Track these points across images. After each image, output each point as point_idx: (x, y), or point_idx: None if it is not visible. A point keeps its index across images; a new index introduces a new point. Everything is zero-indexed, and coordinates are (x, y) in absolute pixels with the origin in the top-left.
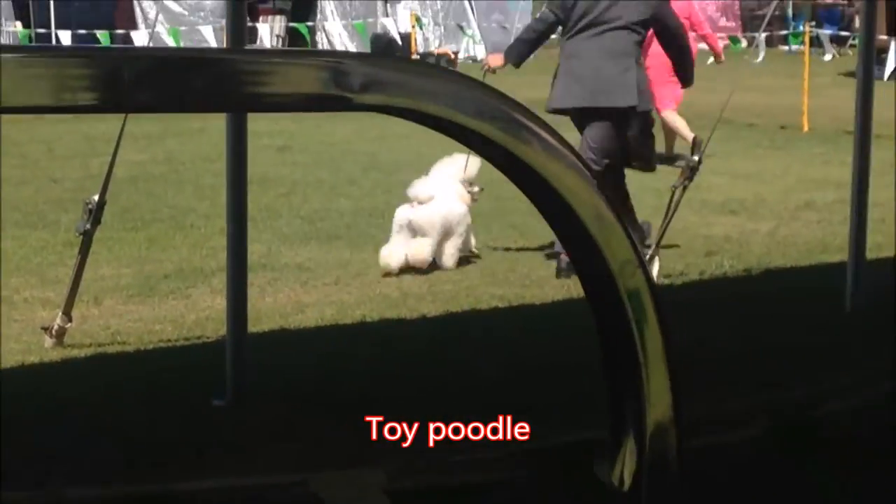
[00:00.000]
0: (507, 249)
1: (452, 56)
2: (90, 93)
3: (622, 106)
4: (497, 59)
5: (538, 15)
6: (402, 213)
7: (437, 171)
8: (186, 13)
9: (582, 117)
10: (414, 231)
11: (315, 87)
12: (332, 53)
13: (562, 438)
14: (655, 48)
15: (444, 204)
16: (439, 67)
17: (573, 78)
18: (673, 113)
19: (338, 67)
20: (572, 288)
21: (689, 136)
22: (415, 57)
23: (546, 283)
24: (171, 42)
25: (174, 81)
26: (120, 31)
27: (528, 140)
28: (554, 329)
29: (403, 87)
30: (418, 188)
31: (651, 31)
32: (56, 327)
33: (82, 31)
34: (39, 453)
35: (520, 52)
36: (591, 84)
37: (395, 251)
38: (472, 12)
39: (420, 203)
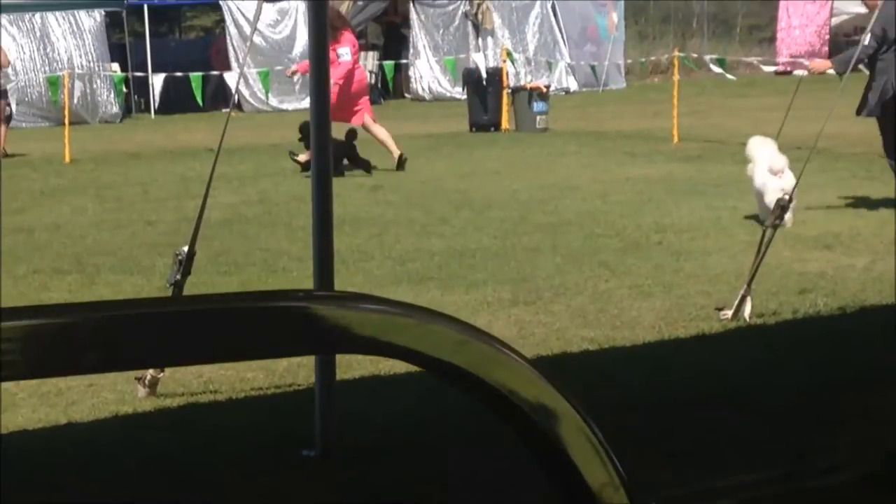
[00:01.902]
0: (598, 289)
1: (544, 89)
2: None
3: None
4: (824, 64)
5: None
6: (778, 183)
7: (762, 148)
8: (278, 54)
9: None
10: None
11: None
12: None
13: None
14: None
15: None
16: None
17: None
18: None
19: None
20: (664, 329)
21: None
22: (506, 91)
23: (637, 324)
24: (259, 85)
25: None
26: (214, 73)
27: (505, 369)
28: (645, 371)
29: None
30: (777, 161)
31: None
32: (149, 377)
33: (178, 74)
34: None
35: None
36: None
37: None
38: (564, 43)
39: (782, 173)
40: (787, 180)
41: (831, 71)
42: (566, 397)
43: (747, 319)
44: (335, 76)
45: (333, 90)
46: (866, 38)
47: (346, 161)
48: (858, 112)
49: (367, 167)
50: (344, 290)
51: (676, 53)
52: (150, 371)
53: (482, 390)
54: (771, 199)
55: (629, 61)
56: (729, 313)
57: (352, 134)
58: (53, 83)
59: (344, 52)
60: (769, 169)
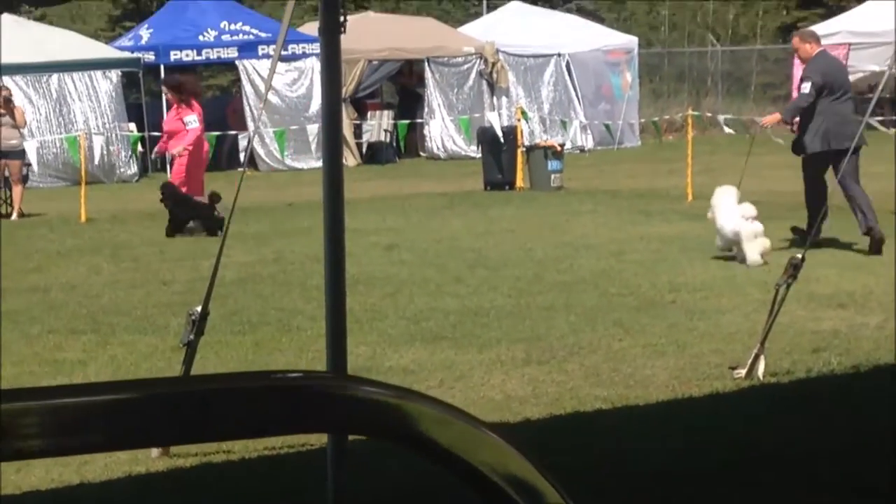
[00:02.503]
0: (612, 348)
1: (559, 148)
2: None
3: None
4: (774, 118)
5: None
6: (754, 226)
7: (725, 197)
8: (294, 113)
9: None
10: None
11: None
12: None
13: None
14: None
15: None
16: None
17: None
18: None
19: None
20: (677, 388)
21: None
22: (520, 150)
23: (650, 383)
24: (275, 144)
25: None
26: (230, 132)
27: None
28: (658, 432)
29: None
30: (749, 208)
31: None
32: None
33: None
34: None
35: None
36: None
37: (764, 247)
38: (579, 102)
39: (754, 217)
40: (758, 224)
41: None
42: (544, 475)
43: (761, 378)
44: (185, 143)
45: (182, 159)
46: (806, 87)
47: (192, 223)
48: (795, 151)
49: (214, 230)
50: (330, 372)
51: (690, 112)
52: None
53: (461, 467)
54: (749, 243)
55: (643, 120)
56: (742, 372)
57: (215, 197)
58: (71, 143)
59: (191, 119)
60: (742, 215)
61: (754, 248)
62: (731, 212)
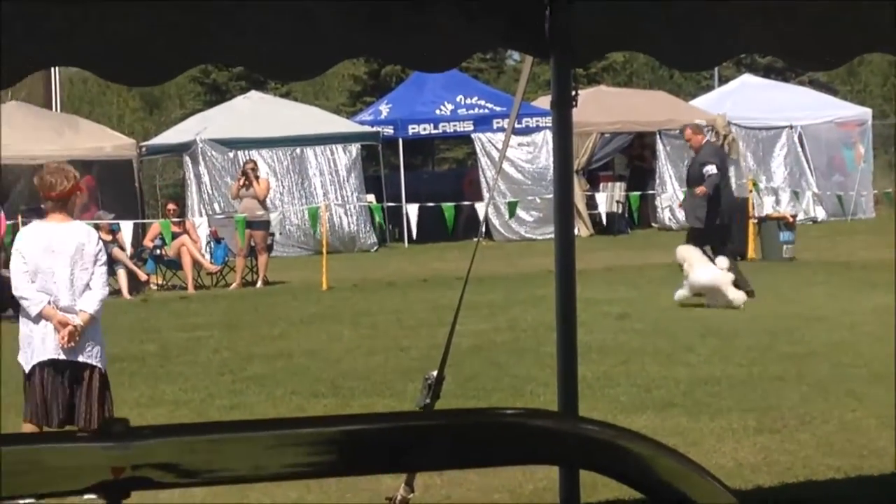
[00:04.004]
0: (845, 418)
1: (791, 219)
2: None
3: None
4: (703, 189)
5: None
6: (727, 275)
7: (693, 251)
8: (529, 182)
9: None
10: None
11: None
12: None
13: None
14: None
15: None
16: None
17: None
18: None
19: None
20: None
21: None
22: (752, 221)
23: (885, 453)
24: (506, 214)
25: None
26: (466, 203)
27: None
28: (891, 501)
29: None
30: (723, 260)
31: None
32: (399, 497)
33: (431, 204)
34: None
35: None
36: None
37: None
38: (811, 173)
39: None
40: (731, 273)
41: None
42: None
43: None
44: None
45: None
46: (713, 168)
47: None
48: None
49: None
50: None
51: None
52: (401, 491)
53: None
54: (727, 290)
55: (876, 191)
56: None
57: None
58: (312, 214)
59: None
60: (719, 265)
61: (734, 292)
62: (705, 265)
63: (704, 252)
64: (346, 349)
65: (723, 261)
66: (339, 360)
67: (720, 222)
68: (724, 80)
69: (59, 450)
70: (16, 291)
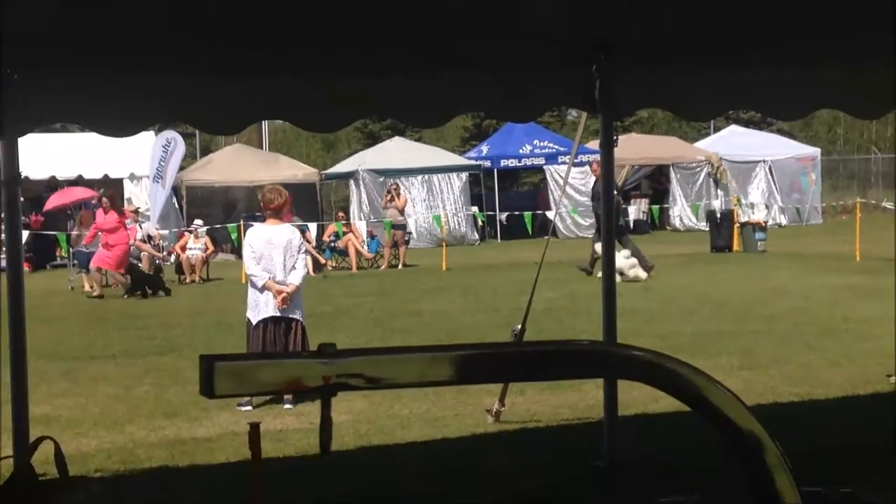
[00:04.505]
0: (802, 360)
1: (763, 224)
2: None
3: None
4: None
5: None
6: (631, 260)
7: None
8: (583, 198)
9: None
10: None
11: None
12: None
13: None
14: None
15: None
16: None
17: None
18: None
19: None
20: (848, 389)
21: None
22: (736, 225)
23: (830, 384)
24: (568, 219)
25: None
26: (539, 212)
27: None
28: (835, 418)
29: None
30: (626, 252)
31: None
32: (495, 410)
33: (516, 213)
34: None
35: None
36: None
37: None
38: (777, 192)
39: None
40: (633, 259)
41: None
42: (767, 432)
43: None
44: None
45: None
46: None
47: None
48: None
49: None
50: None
51: (858, 199)
52: (496, 405)
53: (713, 416)
54: (631, 271)
55: (824, 204)
56: (893, 379)
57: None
58: (436, 219)
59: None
60: (622, 255)
61: (638, 271)
62: (616, 255)
63: (622, 243)
64: (458, 310)
65: (626, 252)
66: (454, 318)
67: (619, 224)
68: (717, 129)
69: (293, 364)
70: (248, 270)
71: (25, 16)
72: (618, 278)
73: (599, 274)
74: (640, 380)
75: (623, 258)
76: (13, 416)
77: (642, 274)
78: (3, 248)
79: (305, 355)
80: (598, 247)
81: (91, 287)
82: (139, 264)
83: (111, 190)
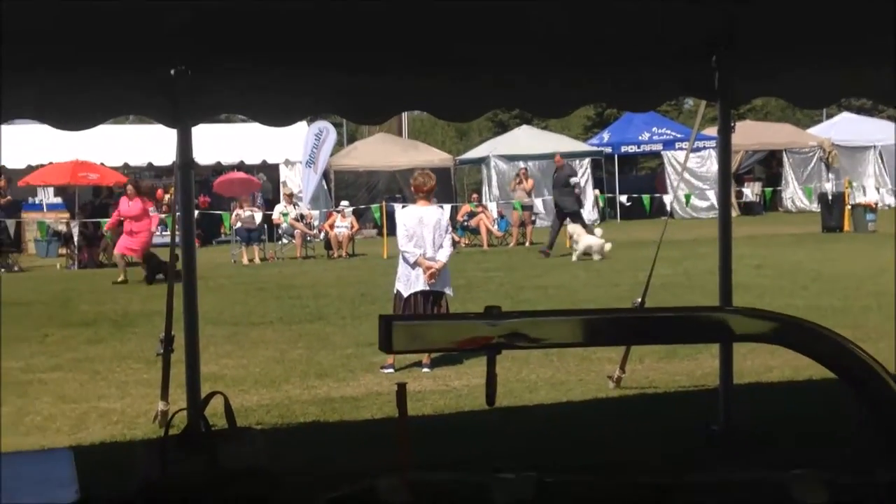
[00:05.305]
0: None
1: (873, 205)
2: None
3: None
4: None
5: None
6: (601, 240)
7: (579, 227)
8: (699, 182)
9: None
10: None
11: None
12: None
13: None
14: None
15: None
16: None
17: None
18: None
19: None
20: None
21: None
22: (847, 206)
23: None
24: (684, 202)
25: None
26: (657, 195)
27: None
28: None
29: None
30: (577, 228)
31: None
32: (616, 376)
33: (635, 195)
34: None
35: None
36: None
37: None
38: (888, 175)
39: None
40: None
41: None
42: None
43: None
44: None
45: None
46: (576, 178)
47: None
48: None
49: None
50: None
51: None
52: (617, 372)
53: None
54: (603, 247)
55: None
56: None
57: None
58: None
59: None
60: (586, 233)
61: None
62: (588, 235)
63: (585, 227)
64: (581, 284)
65: (599, 231)
66: (576, 291)
67: (576, 210)
68: (829, 116)
69: (461, 324)
70: (401, 247)
71: (198, 17)
72: (595, 257)
73: (574, 257)
74: (785, 344)
75: (596, 238)
76: (186, 375)
77: (607, 246)
78: (178, 226)
79: (473, 316)
80: (574, 229)
81: (251, 260)
82: (156, 253)
83: (142, 179)
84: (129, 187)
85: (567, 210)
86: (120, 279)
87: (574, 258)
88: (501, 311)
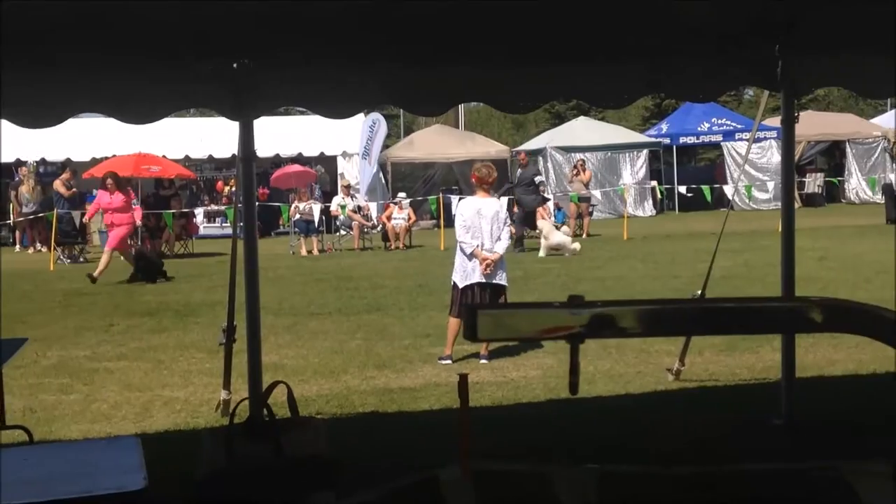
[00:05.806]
0: None
1: None
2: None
3: None
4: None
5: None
6: (568, 238)
7: (548, 224)
8: (759, 174)
9: None
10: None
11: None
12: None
13: None
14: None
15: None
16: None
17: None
18: None
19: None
20: None
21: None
22: None
23: None
24: (744, 193)
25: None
26: (717, 186)
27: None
28: None
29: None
30: (546, 225)
31: None
32: (675, 369)
33: (693, 186)
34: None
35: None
36: None
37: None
38: None
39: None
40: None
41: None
42: None
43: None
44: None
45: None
46: (541, 177)
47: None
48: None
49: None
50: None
51: None
52: (676, 365)
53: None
54: (570, 245)
55: None
56: None
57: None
58: (620, 191)
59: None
60: (564, 232)
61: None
62: (556, 232)
63: (555, 226)
64: (638, 276)
65: (566, 228)
66: (634, 283)
67: (529, 211)
68: (893, 106)
69: (545, 313)
70: (458, 238)
71: (259, 11)
72: (566, 254)
73: (542, 252)
74: (867, 333)
75: (564, 235)
76: (248, 364)
77: (576, 247)
78: (240, 218)
79: (557, 305)
80: (544, 225)
81: (309, 252)
82: (146, 250)
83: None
84: (109, 181)
85: (528, 208)
86: (96, 273)
87: (542, 253)
88: (585, 301)
